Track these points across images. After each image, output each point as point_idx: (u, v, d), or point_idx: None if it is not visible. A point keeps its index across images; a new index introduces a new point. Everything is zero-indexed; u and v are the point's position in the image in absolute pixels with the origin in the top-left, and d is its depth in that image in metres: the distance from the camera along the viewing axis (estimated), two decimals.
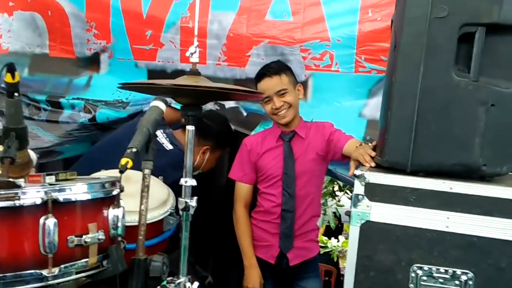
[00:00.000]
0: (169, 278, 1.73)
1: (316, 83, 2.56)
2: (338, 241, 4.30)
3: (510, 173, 1.59)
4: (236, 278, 2.47)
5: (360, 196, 1.58)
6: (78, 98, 2.93)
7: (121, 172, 1.34)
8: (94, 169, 2.03)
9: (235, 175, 2.49)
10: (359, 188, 1.59)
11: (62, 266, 1.37)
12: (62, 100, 2.94)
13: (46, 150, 2.91)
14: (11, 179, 1.35)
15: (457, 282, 1.50)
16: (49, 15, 3.01)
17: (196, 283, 1.81)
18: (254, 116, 2.60)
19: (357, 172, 1.59)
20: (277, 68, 2.34)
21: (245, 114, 2.71)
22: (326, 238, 4.29)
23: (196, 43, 1.65)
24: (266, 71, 2.34)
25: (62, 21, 2.98)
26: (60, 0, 2.95)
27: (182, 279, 1.74)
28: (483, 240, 1.48)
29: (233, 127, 2.68)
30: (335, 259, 4.19)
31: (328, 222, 4.51)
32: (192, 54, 1.66)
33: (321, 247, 4.00)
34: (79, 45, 2.99)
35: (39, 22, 3.04)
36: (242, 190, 2.47)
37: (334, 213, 4.52)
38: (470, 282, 1.48)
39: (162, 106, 1.55)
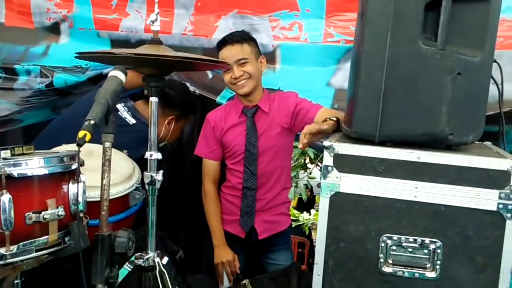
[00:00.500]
0: (137, 254, 1.71)
1: (284, 53, 2.52)
2: (309, 214, 4.33)
3: (477, 142, 1.60)
4: (208, 252, 2.46)
5: (329, 168, 1.57)
6: (34, 65, 2.81)
7: (79, 145, 1.29)
8: (51, 147, 1.96)
9: (201, 152, 2.45)
10: (328, 159, 1.57)
11: (21, 243, 1.33)
12: (17, 66, 2.81)
13: (4, 119, 2.81)
14: None
15: (425, 251, 1.51)
16: None
17: (166, 258, 1.80)
18: (219, 79, 2.52)
19: (326, 143, 1.57)
20: (240, 36, 2.28)
21: (210, 76, 2.64)
22: (297, 212, 4.31)
23: (156, 10, 1.59)
24: (228, 38, 2.28)
25: None
26: None
27: (150, 254, 1.73)
28: (450, 208, 1.48)
29: (197, 91, 2.62)
30: (307, 232, 4.23)
31: (300, 195, 4.53)
32: (153, 22, 1.60)
33: (293, 220, 4.04)
34: (38, 15, 2.86)
35: None
36: (209, 166, 2.44)
37: (305, 185, 4.54)
38: (439, 251, 1.49)
39: (121, 76, 1.49)
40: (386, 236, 1.53)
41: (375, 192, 1.54)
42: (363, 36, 1.56)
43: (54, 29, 2.87)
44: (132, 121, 2.38)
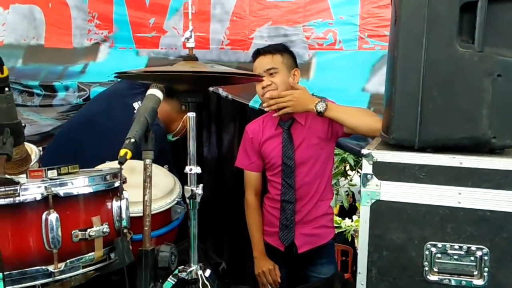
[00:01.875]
0: (180, 267, 1.73)
1: (320, 62, 2.54)
2: (352, 221, 4.27)
3: None
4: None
5: (369, 176, 1.55)
6: (72, 81, 2.92)
7: (121, 163, 1.32)
8: (69, 151, 1.99)
9: (241, 163, 2.46)
10: (367, 167, 1.55)
11: (68, 261, 1.37)
12: (55, 83, 2.93)
13: (48, 134, 2.90)
14: (8, 176, 1.34)
15: (472, 258, 1.46)
16: (49, 7, 3.05)
17: (209, 271, 1.81)
18: (251, 84, 2.52)
19: (364, 151, 1.56)
20: (273, 47, 2.30)
21: None
22: (340, 218, 4.27)
23: (191, 27, 1.62)
24: (261, 49, 2.30)
25: (62, 13, 3.03)
26: None
27: (193, 267, 1.75)
28: (496, 214, 1.44)
29: (230, 96, 2.62)
30: (350, 239, 4.18)
31: (342, 202, 4.48)
32: (187, 39, 1.63)
33: (335, 227, 3.99)
34: (78, 36, 3.01)
35: (37, 15, 3.07)
36: (251, 178, 2.44)
37: (346, 192, 4.49)
38: (486, 258, 1.45)
39: (159, 94, 1.52)
40: (430, 244, 1.49)
41: (417, 199, 1.50)
42: (398, 41, 1.54)
43: (93, 49, 2.99)
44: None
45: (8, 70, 1.46)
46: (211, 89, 2.63)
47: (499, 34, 1.45)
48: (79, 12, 2.99)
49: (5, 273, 1.28)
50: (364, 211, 1.56)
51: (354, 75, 2.47)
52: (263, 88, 2.25)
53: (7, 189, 1.29)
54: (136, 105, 2.36)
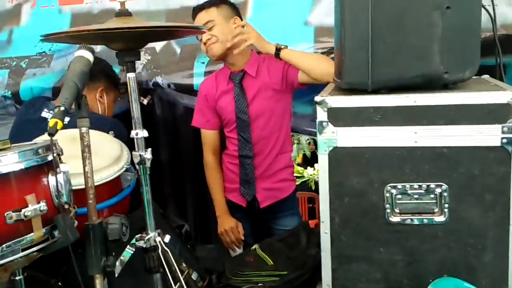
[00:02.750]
0: (138, 235, 1.66)
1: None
2: (314, 169, 4.28)
3: (474, 77, 1.51)
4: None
5: (324, 123, 1.49)
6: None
7: (51, 135, 1.21)
8: None
9: (197, 122, 2.40)
10: (322, 114, 1.49)
11: (4, 245, 1.27)
12: None
13: None
14: None
15: (432, 195, 1.45)
16: None
17: (168, 236, 1.75)
18: (189, 50, 2.41)
19: (318, 98, 1.50)
20: (207, 2, 2.21)
21: (178, 50, 2.52)
22: (301, 168, 4.26)
23: None
24: (195, 7, 2.23)
25: None
26: None
27: (151, 234, 1.68)
28: (452, 150, 1.42)
29: (172, 85, 2.51)
30: (313, 187, 4.20)
31: (304, 151, 4.48)
32: None
33: (298, 177, 3.98)
34: None
35: None
36: (208, 137, 2.39)
37: (308, 140, 4.48)
38: (445, 194, 1.44)
39: (88, 55, 1.39)
40: (390, 186, 1.47)
41: (374, 142, 1.47)
42: None
43: (15, 12, 2.80)
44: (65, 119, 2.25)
45: None
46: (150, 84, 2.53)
47: None
48: None
49: None
50: (322, 159, 1.52)
51: (295, 8, 2.35)
52: (204, 44, 2.19)
53: None
54: (45, 114, 2.30)
